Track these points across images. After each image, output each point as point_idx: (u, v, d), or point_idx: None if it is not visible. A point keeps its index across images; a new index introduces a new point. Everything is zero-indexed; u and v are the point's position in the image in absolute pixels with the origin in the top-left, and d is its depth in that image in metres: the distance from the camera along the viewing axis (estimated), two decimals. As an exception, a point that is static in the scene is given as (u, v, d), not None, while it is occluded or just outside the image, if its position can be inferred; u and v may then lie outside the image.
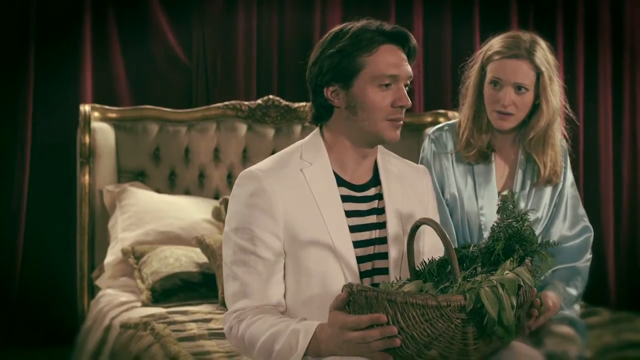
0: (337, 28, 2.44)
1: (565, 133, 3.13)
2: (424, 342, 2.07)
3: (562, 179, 3.10)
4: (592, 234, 3.16)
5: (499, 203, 2.38)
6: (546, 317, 2.84)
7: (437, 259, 2.35)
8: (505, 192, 2.99)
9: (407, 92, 2.43)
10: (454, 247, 2.22)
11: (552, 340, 2.86)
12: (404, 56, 2.41)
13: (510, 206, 2.34)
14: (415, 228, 2.29)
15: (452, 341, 2.08)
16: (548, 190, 3.09)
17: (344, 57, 2.37)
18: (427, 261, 2.36)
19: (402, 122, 2.44)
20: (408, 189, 2.54)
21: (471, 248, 2.35)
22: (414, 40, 2.43)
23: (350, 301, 2.15)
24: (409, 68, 2.41)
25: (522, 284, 2.13)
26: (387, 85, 2.37)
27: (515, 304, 2.10)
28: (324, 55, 2.41)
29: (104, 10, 5.04)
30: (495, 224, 2.34)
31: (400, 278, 2.37)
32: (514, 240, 2.28)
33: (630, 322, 3.32)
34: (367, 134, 2.42)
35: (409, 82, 2.43)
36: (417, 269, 2.34)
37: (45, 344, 4.94)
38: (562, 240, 3.09)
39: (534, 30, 3.16)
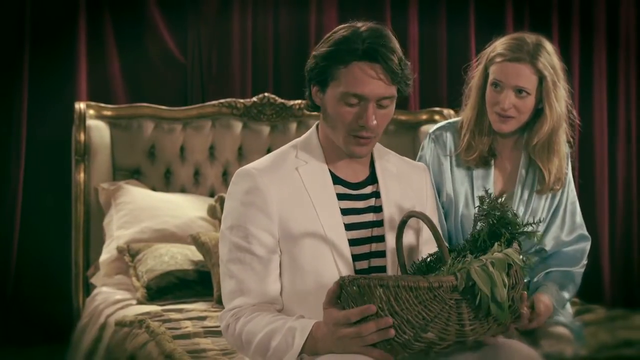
0: (336, 28, 2.40)
1: (570, 138, 3.10)
2: (420, 325, 2.09)
3: (563, 185, 3.08)
4: (590, 242, 3.15)
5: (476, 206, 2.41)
6: (540, 320, 2.84)
7: (426, 258, 2.37)
8: (503, 197, 2.98)
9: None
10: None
11: (548, 341, 2.86)
12: (381, 75, 2.30)
13: (487, 199, 2.37)
14: (403, 223, 2.30)
15: (448, 322, 2.10)
16: (548, 195, 3.07)
17: (321, 63, 2.35)
18: (416, 262, 2.38)
19: (370, 140, 2.37)
20: (407, 187, 2.53)
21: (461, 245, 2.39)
22: (395, 60, 2.30)
23: (343, 294, 2.16)
24: (380, 88, 2.30)
25: (512, 263, 2.15)
26: (352, 103, 2.32)
27: (506, 282, 2.12)
28: (314, 54, 2.40)
29: (99, 8, 5.02)
30: (475, 216, 2.37)
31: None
32: (499, 224, 2.31)
33: (626, 320, 3.32)
34: (337, 143, 2.41)
35: (385, 102, 2.33)
36: (409, 271, 2.35)
37: (40, 341, 4.93)
38: (559, 245, 3.08)
39: (529, 28, 3.14)
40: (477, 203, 3.00)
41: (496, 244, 2.23)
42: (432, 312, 2.08)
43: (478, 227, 2.35)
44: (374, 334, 2.10)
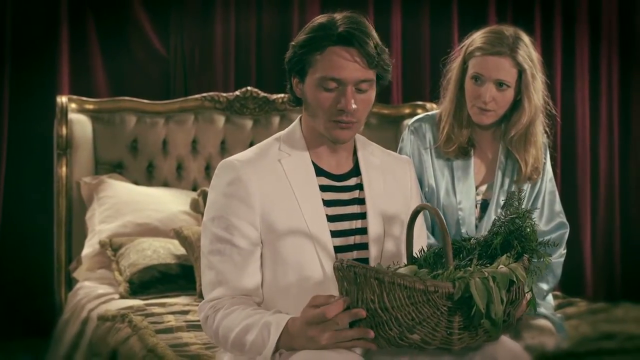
0: (314, 19, 2.42)
1: (547, 129, 3.12)
2: (408, 325, 2.07)
3: (541, 174, 3.10)
4: (568, 230, 3.16)
5: (505, 199, 2.37)
6: (518, 312, 2.84)
7: (435, 249, 2.34)
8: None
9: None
10: (451, 242, 2.21)
11: (529, 333, 2.87)
12: (357, 58, 2.31)
13: (516, 203, 2.33)
14: (416, 214, 2.29)
15: (437, 328, 2.08)
16: (526, 186, 3.08)
17: (298, 52, 2.37)
18: (425, 249, 2.36)
19: (351, 125, 2.36)
20: (390, 180, 2.53)
21: (471, 241, 2.34)
22: (370, 44, 2.32)
23: (338, 276, 2.15)
24: (357, 72, 2.31)
25: (514, 280, 2.12)
26: (330, 88, 2.32)
27: (505, 299, 2.09)
28: (292, 44, 2.41)
29: (82, 2, 5.00)
30: (496, 218, 2.34)
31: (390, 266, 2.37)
32: (514, 236, 2.27)
33: (607, 313, 3.34)
34: (319, 130, 2.41)
35: (364, 85, 2.34)
36: (415, 256, 2.34)
37: (22, 336, 4.92)
38: (538, 234, 3.09)
39: (512, 22, 3.15)
40: (458, 192, 3.04)
41: (505, 256, 2.19)
42: (422, 315, 2.06)
43: (495, 230, 2.30)
44: (353, 332, 2.11)
